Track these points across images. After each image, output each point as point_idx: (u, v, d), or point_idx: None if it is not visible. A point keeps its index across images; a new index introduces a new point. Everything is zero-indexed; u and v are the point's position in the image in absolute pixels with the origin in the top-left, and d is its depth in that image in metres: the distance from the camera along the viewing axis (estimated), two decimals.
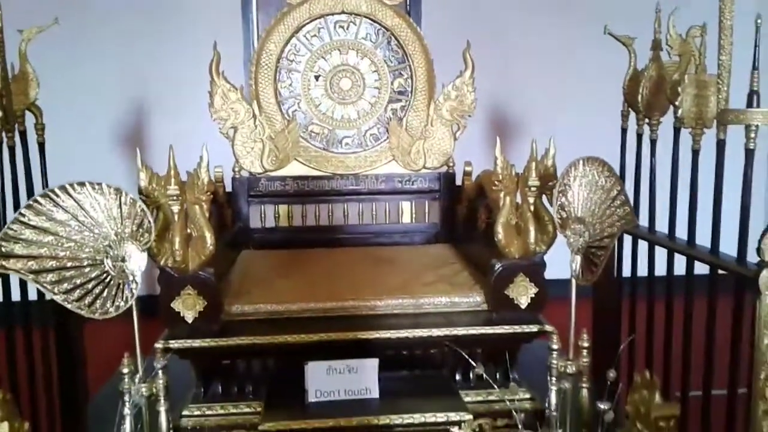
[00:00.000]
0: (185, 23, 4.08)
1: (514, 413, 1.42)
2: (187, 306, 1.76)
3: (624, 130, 2.40)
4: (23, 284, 2.13)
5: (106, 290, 1.55)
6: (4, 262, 1.50)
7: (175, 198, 1.73)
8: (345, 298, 1.90)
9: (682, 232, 2.10)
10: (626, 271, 2.42)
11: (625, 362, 2.32)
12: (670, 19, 2.02)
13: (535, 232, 1.83)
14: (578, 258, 1.68)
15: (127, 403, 1.48)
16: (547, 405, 1.61)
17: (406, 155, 2.47)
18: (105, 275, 1.55)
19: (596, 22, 2.37)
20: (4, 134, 2.03)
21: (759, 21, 1.70)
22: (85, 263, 1.55)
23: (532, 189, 1.82)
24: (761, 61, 1.83)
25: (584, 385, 1.67)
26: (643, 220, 2.28)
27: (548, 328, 1.80)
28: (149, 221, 1.56)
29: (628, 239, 2.38)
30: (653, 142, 2.23)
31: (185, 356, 1.78)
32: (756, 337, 1.68)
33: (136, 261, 1.55)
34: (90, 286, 1.55)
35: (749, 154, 1.76)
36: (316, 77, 2.47)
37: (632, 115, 2.34)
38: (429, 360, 1.91)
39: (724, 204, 1.93)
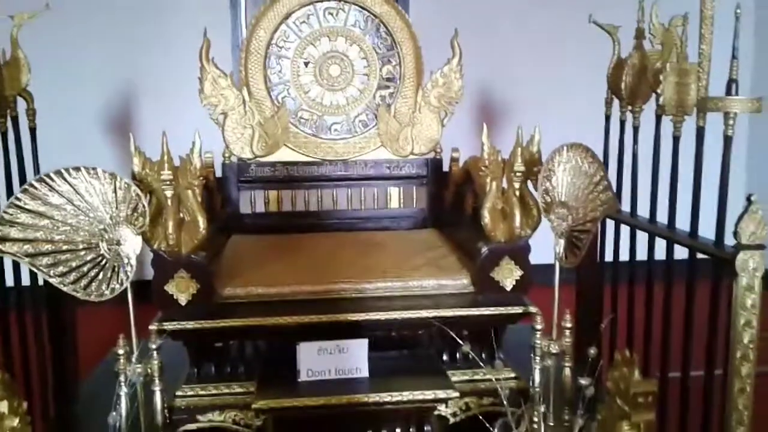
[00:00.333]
0: (174, 8, 4.08)
1: (499, 390, 1.47)
2: (181, 289, 1.80)
3: (608, 117, 2.45)
4: (16, 269, 2.15)
5: (101, 273, 1.59)
6: (0, 246, 1.53)
7: (168, 183, 1.76)
8: (335, 281, 1.94)
9: (663, 217, 2.16)
10: (610, 257, 2.48)
11: (608, 343, 2.38)
12: (652, 8, 2.06)
13: (520, 217, 1.88)
14: (562, 241, 1.73)
15: (122, 383, 1.52)
16: (531, 383, 1.67)
17: (394, 141, 2.51)
18: (100, 258, 1.59)
19: (584, 10, 2.40)
20: None
21: (738, 11, 1.75)
22: (81, 247, 1.58)
23: (518, 174, 1.86)
24: (741, 51, 1.87)
25: (567, 363, 1.73)
26: (626, 206, 2.34)
27: (532, 309, 1.86)
28: (144, 205, 1.59)
29: (610, 225, 2.43)
30: (636, 129, 2.28)
31: (179, 338, 1.82)
32: (732, 317, 1.75)
33: (131, 244, 1.59)
34: (85, 269, 1.59)
35: (728, 140, 1.81)
36: (306, 64, 2.49)
37: (616, 103, 2.38)
38: (417, 341, 1.96)
39: (707, 189, 1.97)
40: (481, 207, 1.91)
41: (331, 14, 2.47)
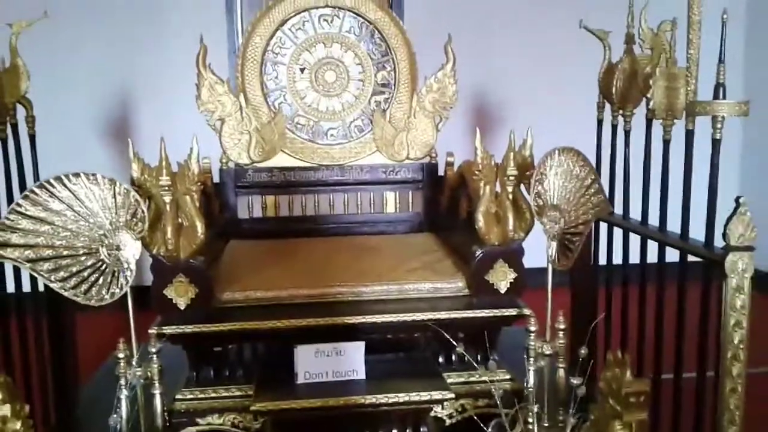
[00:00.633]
0: (171, 14, 4.10)
1: (493, 391, 1.49)
2: (180, 293, 1.82)
3: (600, 121, 2.48)
4: (17, 275, 2.17)
5: (101, 278, 1.61)
6: (1, 252, 1.56)
7: (166, 188, 1.78)
8: (332, 285, 1.97)
9: (656, 220, 2.18)
10: (604, 260, 2.51)
11: (603, 345, 2.41)
12: (641, 13, 2.09)
13: (513, 220, 1.91)
14: (554, 244, 1.76)
15: (123, 386, 1.54)
16: (525, 384, 1.69)
17: (389, 146, 2.53)
18: (100, 263, 1.61)
19: (576, 15, 2.43)
20: None
21: (725, 16, 1.78)
22: (81, 252, 1.60)
23: (511, 178, 1.89)
24: (730, 55, 1.90)
25: (560, 365, 1.75)
26: (619, 208, 2.37)
27: (526, 311, 1.88)
28: (143, 211, 1.61)
29: (604, 228, 2.46)
30: (627, 133, 2.31)
31: (178, 341, 1.84)
32: (723, 318, 1.78)
33: (131, 249, 1.61)
34: (86, 273, 1.61)
35: (716, 143, 1.84)
36: (302, 70, 2.52)
37: (608, 107, 2.42)
38: (413, 343, 1.99)
39: (700, 192, 1.99)
40: (474, 211, 1.93)
41: (326, 21, 2.50)
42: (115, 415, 1.45)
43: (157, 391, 1.66)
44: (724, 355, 1.77)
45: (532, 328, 1.75)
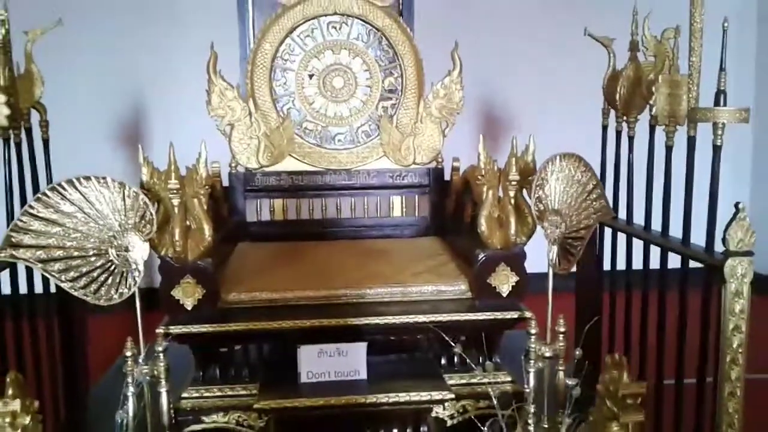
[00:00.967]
0: (183, 21, 4.16)
1: (490, 391, 1.52)
2: (187, 294, 1.86)
3: (605, 128, 2.50)
4: (30, 277, 2.22)
5: (110, 278, 1.65)
6: (14, 252, 1.60)
7: (175, 192, 1.83)
8: (337, 287, 2.00)
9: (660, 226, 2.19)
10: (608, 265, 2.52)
11: (605, 350, 2.42)
12: (644, 21, 2.11)
13: (515, 224, 1.93)
14: (555, 248, 1.78)
15: (129, 383, 1.58)
16: (524, 385, 1.71)
17: (396, 151, 2.57)
18: (109, 264, 1.65)
19: (583, 22, 2.45)
20: (11, 131, 2.12)
21: (726, 24, 1.80)
22: (91, 253, 1.65)
23: (513, 183, 1.92)
24: (733, 62, 1.92)
25: (560, 367, 1.77)
26: (623, 214, 2.39)
27: (527, 314, 1.91)
28: (151, 213, 1.66)
29: (609, 234, 2.47)
30: (631, 139, 2.32)
31: (185, 341, 1.88)
32: (722, 322, 1.79)
33: (139, 251, 1.66)
34: (95, 274, 1.65)
35: (716, 150, 1.86)
36: (310, 76, 2.56)
37: (612, 113, 2.43)
38: (416, 345, 2.02)
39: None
40: (477, 215, 1.96)
41: (335, 28, 2.54)
42: (121, 411, 1.49)
43: (163, 389, 1.70)
44: (722, 359, 1.79)
45: (533, 331, 1.77)
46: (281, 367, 1.89)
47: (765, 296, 2.42)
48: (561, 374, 1.77)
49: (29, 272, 2.20)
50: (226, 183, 2.56)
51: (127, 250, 1.65)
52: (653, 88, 2.04)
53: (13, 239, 1.60)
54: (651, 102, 2.05)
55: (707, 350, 1.92)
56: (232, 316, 1.90)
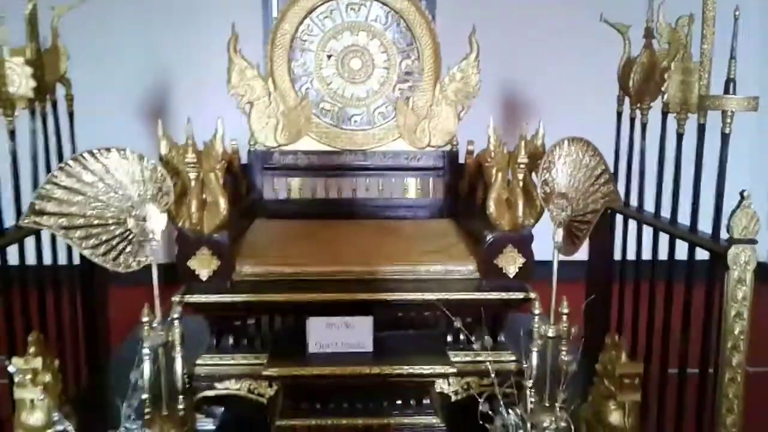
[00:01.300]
0: (209, 1, 4.22)
1: (488, 365, 1.56)
2: (202, 265, 1.93)
3: (619, 114, 2.52)
4: (54, 248, 2.29)
5: (129, 246, 1.71)
6: (37, 219, 1.67)
7: (192, 166, 1.88)
8: (347, 264, 2.05)
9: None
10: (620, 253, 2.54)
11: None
12: (659, 8, 2.13)
13: (523, 207, 1.97)
14: (560, 230, 1.82)
15: (145, 346, 1.65)
16: (525, 361, 1.76)
17: (412, 133, 2.60)
18: (128, 233, 1.71)
19: (600, 7, 2.46)
20: (37, 104, 2.19)
21: (737, 13, 1.81)
22: (110, 222, 1.71)
23: (521, 166, 1.95)
24: (747, 50, 1.93)
25: (563, 347, 1.81)
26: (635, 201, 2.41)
27: (532, 295, 1.94)
28: (168, 185, 1.71)
29: (618, 222, 2.49)
30: (644, 126, 2.34)
31: (200, 310, 1.95)
32: (724, 308, 1.82)
33: (156, 221, 1.71)
34: (114, 242, 1.71)
35: (725, 137, 1.88)
36: (328, 57, 2.61)
37: (627, 100, 2.45)
38: (422, 322, 2.07)
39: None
40: (486, 197, 2.00)
41: (354, 9, 2.58)
42: (135, 371, 1.55)
43: (177, 355, 1.77)
44: (724, 345, 1.81)
45: (536, 311, 1.81)
46: (291, 338, 1.95)
47: None
48: (564, 354, 1.81)
49: (53, 244, 2.28)
50: (245, 161, 2.61)
51: (144, 219, 1.71)
52: (665, 75, 2.06)
53: (36, 206, 1.66)
54: (663, 89, 2.07)
55: (710, 337, 1.94)
56: (246, 287, 1.96)
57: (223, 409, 2.06)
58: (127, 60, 4.26)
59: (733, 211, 1.77)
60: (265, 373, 1.82)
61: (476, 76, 2.58)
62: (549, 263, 1.78)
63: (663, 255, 2.20)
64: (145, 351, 1.64)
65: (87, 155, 1.67)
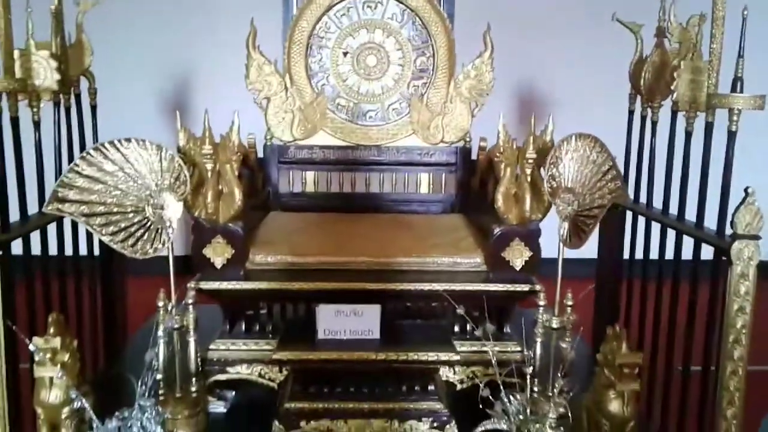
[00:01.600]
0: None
1: (490, 352, 1.60)
2: (217, 253, 1.99)
3: (631, 112, 2.54)
4: (75, 237, 2.36)
5: (146, 234, 1.78)
6: (60, 206, 1.74)
7: (209, 157, 1.95)
8: (358, 254, 2.10)
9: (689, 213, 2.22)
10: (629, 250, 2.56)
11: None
12: (670, 7, 2.15)
13: (531, 201, 2.01)
14: (566, 224, 1.85)
15: (161, 328, 1.71)
16: (528, 350, 1.80)
17: (425, 130, 2.65)
18: (146, 221, 1.78)
19: (613, 7, 2.49)
20: (61, 97, 2.27)
21: (745, 12, 1.83)
22: (129, 209, 1.78)
23: (529, 161, 1.99)
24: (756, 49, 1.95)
25: (567, 338, 1.85)
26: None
27: (537, 287, 1.98)
28: (185, 175, 1.78)
29: (630, 220, 2.52)
30: (654, 124, 2.36)
31: (213, 297, 2.01)
32: (726, 303, 1.84)
33: (173, 209, 1.78)
34: (133, 229, 1.78)
35: (731, 135, 1.90)
36: (344, 54, 2.66)
37: (639, 99, 2.47)
38: (429, 313, 2.12)
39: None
40: (495, 191, 2.04)
41: (370, 7, 2.63)
42: (150, 351, 1.62)
43: (191, 338, 1.83)
44: (726, 338, 1.84)
45: (541, 303, 1.85)
46: (301, 326, 2.01)
47: None
48: (567, 345, 1.85)
49: (74, 233, 2.35)
50: (261, 155, 2.67)
51: (162, 208, 1.78)
52: (675, 74, 2.08)
53: (59, 194, 1.73)
54: (673, 87, 2.10)
55: (714, 333, 1.96)
56: (259, 276, 2.02)
57: (234, 392, 2.12)
58: (148, 55, 4.36)
59: (737, 208, 1.80)
60: (275, 356, 1.87)
61: (490, 74, 2.61)
62: (557, 260, 1.82)
63: (671, 254, 2.23)
64: (160, 333, 1.70)
65: (108, 145, 1.74)
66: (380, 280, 1.99)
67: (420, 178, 2.74)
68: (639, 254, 2.46)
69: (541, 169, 2.05)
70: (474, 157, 2.66)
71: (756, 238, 1.80)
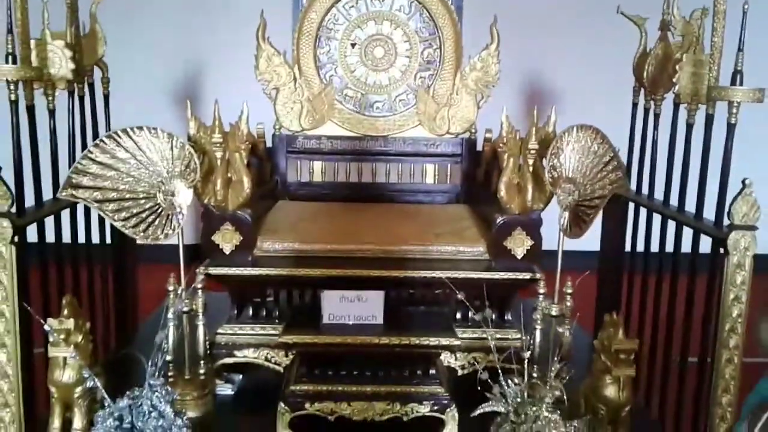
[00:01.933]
0: None
1: (489, 338, 1.64)
2: (226, 239, 2.04)
3: (635, 105, 2.57)
4: (87, 225, 2.42)
5: (157, 219, 1.84)
6: (74, 192, 1.80)
7: (218, 145, 2.00)
8: (363, 242, 2.14)
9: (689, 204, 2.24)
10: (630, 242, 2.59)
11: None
12: (674, 1, 2.18)
13: (533, 191, 2.05)
14: (566, 214, 1.89)
15: (170, 311, 1.77)
16: (527, 336, 1.84)
17: (431, 121, 2.68)
18: (157, 207, 1.84)
19: (618, 1, 2.51)
20: (75, 86, 2.32)
21: (746, 6, 1.86)
22: (141, 196, 1.83)
23: (532, 152, 2.03)
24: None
25: (566, 326, 1.89)
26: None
27: (538, 275, 2.02)
28: (195, 162, 1.83)
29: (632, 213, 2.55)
30: (656, 116, 2.39)
31: (222, 282, 2.06)
32: (722, 292, 1.88)
33: (183, 196, 1.84)
34: (144, 215, 1.84)
35: (731, 128, 1.93)
36: (352, 45, 2.70)
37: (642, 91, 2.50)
38: (432, 300, 2.16)
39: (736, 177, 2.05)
40: (498, 181, 2.08)
41: None
42: (161, 332, 1.67)
43: (200, 322, 1.89)
44: (722, 327, 1.88)
45: (541, 290, 1.89)
46: (307, 311, 2.06)
47: None
48: (567, 332, 1.89)
49: (87, 221, 2.41)
50: (270, 144, 2.72)
51: (173, 194, 1.83)
52: (677, 67, 2.11)
53: (73, 180, 1.79)
54: (675, 80, 2.13)
55: (710, 322, 2.00)
56: (266, 262, 2.07)
57: (241, 375, 2.18)
58: (161, 46, 4.42)
59: (735, 198, 1.83)
60: (281, 340, 1.93)
61: (496, 66, 2.63)
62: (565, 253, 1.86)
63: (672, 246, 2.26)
64: (170, 316, 1.76)
65: (120, 133, 1.80)
66: (384, 267, 2.04)
67: (426, 168, 2.77)
68: (641, 246, 2.50)
69: (543, 159, 2.09)
70: (479, 148, 2.69)
71: (752, 228, 1.84)
